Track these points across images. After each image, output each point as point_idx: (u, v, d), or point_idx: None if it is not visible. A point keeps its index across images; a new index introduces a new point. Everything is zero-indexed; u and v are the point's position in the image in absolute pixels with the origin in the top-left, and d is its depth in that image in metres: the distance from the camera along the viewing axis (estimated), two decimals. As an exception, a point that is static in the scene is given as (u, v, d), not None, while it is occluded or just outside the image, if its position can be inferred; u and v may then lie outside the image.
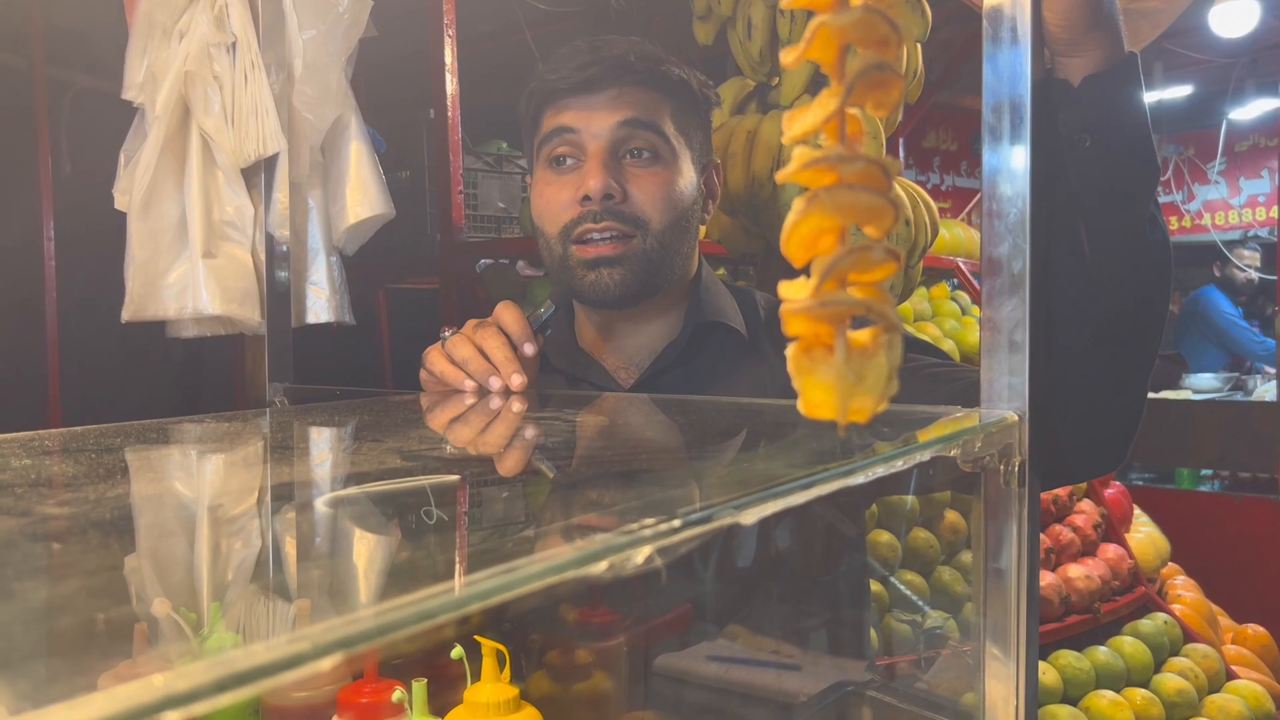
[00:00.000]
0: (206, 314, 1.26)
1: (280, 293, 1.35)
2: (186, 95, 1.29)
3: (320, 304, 1.40)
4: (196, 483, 0.95)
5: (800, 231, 0.42)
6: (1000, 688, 1.00)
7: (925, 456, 0.73)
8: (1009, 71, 0.86)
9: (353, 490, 0.83)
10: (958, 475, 0.89)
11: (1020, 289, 0.88)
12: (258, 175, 1.35)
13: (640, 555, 0.43)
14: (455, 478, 0.89)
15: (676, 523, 0.45)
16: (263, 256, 1.34)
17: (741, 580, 1.48)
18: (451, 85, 1.99)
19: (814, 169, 0.42)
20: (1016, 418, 0.87)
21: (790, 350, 0.43)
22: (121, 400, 2.62)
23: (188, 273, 1.26)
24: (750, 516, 0.49)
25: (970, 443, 0.81)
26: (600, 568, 0.41)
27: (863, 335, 0.43)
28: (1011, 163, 0.87)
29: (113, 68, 1.40)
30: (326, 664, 0.38)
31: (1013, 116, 0.87)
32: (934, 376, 1.17)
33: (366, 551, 0.67)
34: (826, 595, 1.59)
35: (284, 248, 1.37)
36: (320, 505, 0.81)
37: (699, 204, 1.31)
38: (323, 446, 1.12)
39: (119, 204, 1.31)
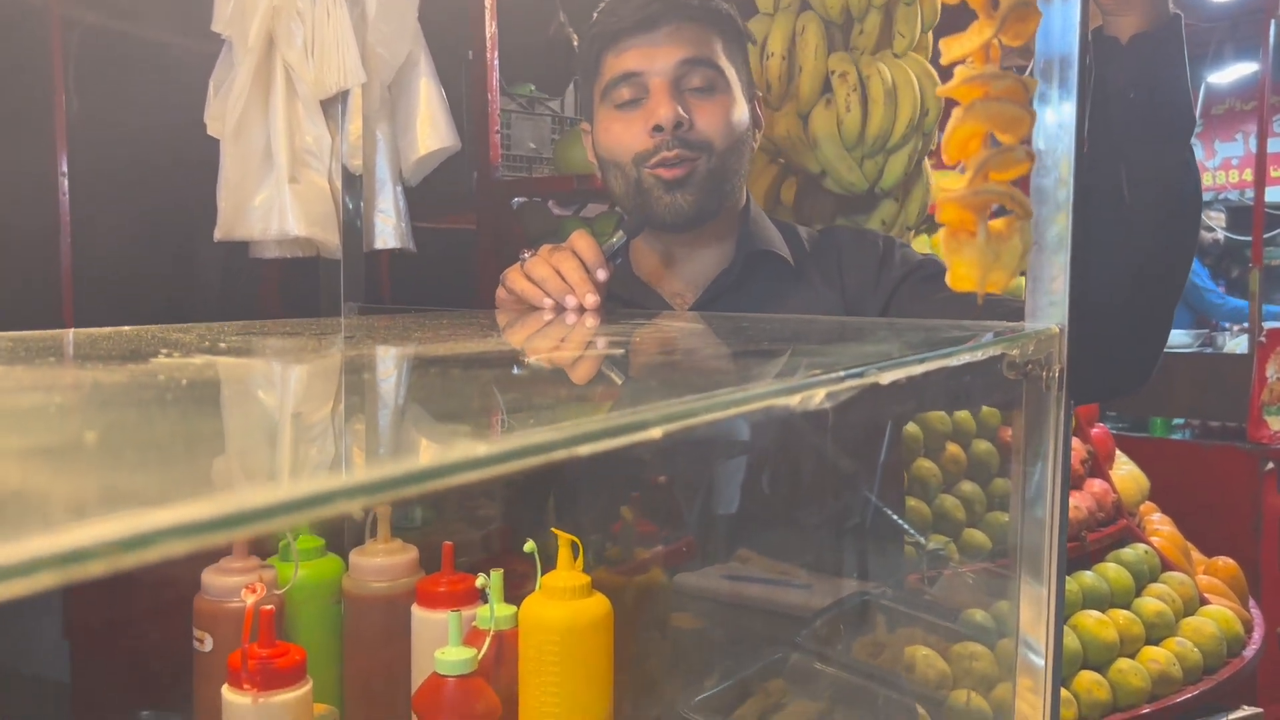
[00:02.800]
0: (291, 235, 1.35)
1: (353, 219, 1.45)
2: (272, 28, 1.37)
3: (388, 231, 1.49)
4: (280, 360, 1.01)
5: (957, 136, 0.53)
6: (1034, 592, 1.13)
7: (996, 351, 0.84)
8: (1060, 26, 0.97)
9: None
10: (996, 388, 1.00)
11: (1064, 214, 1.00)
12: (333, 107, 1.44)
13: (817, 396, 0.54)
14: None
15: (840, 373, 0.56)
16: (338, 184, 1.43)
17: (772, 505, 1.60)
18: (491, 27, 2.08)
19: (969, 85, 0.53)
20: (1058, 329, 0.99)
21: (941, 234, 0.54)
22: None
23: (273, 196, 1.35)
24: (887, 378, 0.60)
25: (1024, 345, 0.93)
26: (793, 400, 0.52)
27: (999, 223, 0.54)
28: (1060, 107, 0.98)
29: (122, 6, 1.47)
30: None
31: (1062, 67, 0.98)
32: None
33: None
34: (862, 516, 1.70)
35: (356, 176, 1.46)
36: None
37: (750, 131, 1.42)
38: (414, 334, 1.21)
39: (211, 130, 1.39)
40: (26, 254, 2.70)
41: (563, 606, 1.21)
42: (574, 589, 1.22)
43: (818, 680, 1.46)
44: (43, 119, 2.75)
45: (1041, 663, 1.11)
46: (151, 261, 2.77)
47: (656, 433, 0.46)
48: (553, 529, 1.24)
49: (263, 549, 1.35)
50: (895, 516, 2.07)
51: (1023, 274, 0.57)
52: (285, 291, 2.72)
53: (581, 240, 1.30)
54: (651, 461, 1.55)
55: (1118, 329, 1.12)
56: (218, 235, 1.37)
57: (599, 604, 1.24)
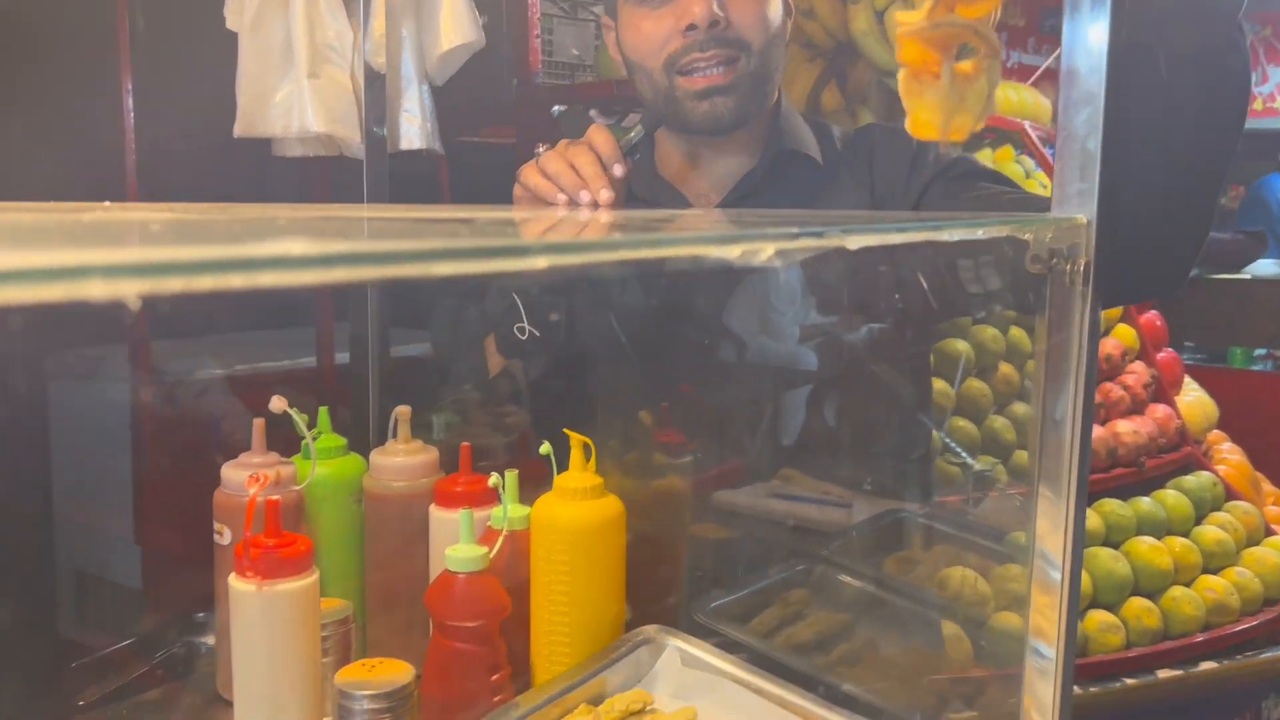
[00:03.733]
0: (311, 131, 1.34)
1: (376, 117, 1.43)
2: (292, -81, 1.35)
3: (413, 131, 1.47)
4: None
5: (920, -31, 0.48)
6: (1051, 502, 1.08)
7: (1002, 232, 0.79)
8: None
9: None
10: (1020, 288, 0.95)
11: (1095, 100, 0.93)
12: (354, 3, 1.41)
13: (765, 252, 0.50)
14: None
15: (795, 229, 0.52)
16: (361, 81, 1.40)
17: (808, 423, 1.56)
18: (531, -73, 2.02)
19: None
20: (1086, 220, 0.93)
21: (900, 75, 0.49)
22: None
23: (294, 93, 1.33)
24: (854, 243, 0.56)
25: (1041, 231, 0.87)
26: (733, 253, 0.48)
27: (965, 64, 0.49)
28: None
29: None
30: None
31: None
32: (1010, 200, 1.23)
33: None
34: (892, 436, 1.66)
35: (380, 74, 1.43)
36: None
37: (784, 21, 1.36)
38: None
39: (230, 24, 1.38)
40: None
41: (573, 507, 1.20)
42: (585, 489, 1.21)
43: (841, 593, 1.44)
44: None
45: (1058, 578, 1.07)
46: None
47: (541, 262, 0.43)
48: (564, 429, 1.23)
49: (286, 447, 1.35)
50: (941, 435, 2.02)
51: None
52: (306, 196, 2.72)
53: (599, 135, 1.26)
54: (680, 371, 1.52)
55: (1152, 222, 1.05)
56: (237, 131, 1.36)
57: (611, 505, 1.22)
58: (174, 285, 0.37)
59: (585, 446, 1.23)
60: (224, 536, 1.24)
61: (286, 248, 0.38)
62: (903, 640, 1.39)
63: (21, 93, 2.72)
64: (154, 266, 0.36)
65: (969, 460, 2.07)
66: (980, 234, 0.75)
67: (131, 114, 2.79)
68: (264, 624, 1.05)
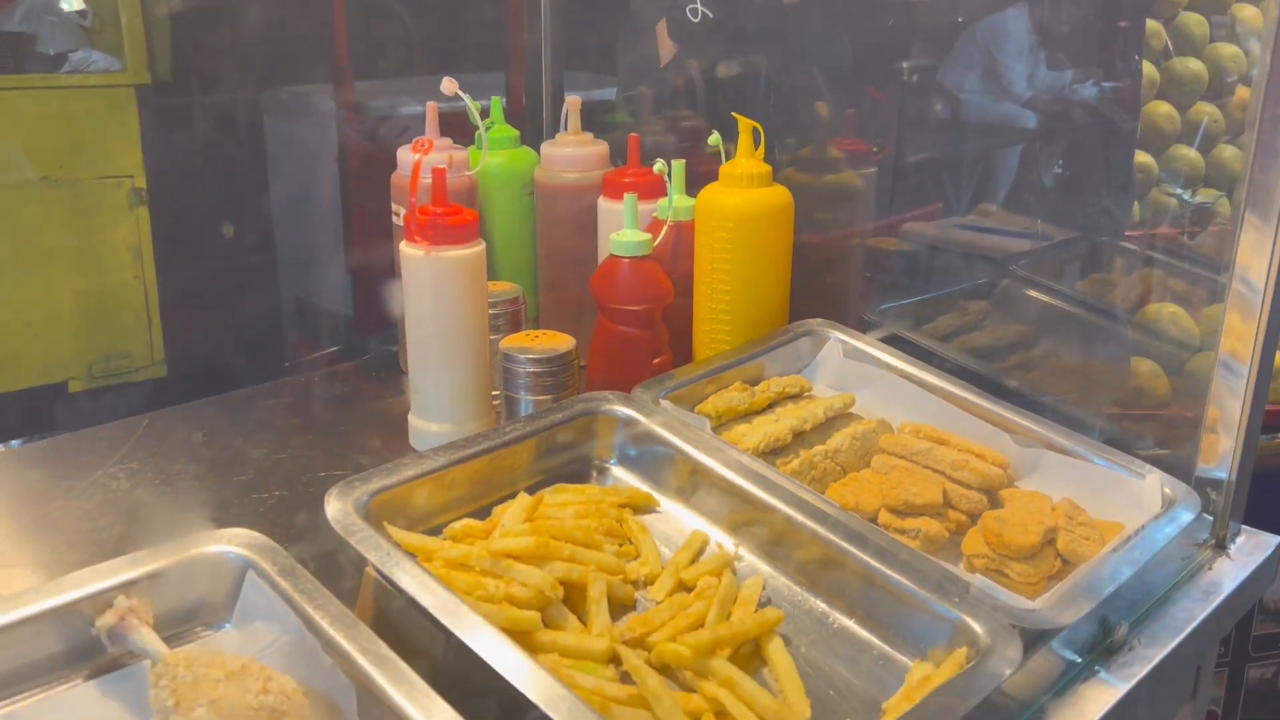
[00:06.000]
0: None
1: None
2: None
3: None
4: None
5: None
6: (1258, 236, 0.97)
7: None
8: None
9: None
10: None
11: None
12: None
13: None
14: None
15: None
16: None
17: (1016, 174, 1.46)
18: None
19: None
20: None
21: None
22: None
23: None
24: None
25: None
26: None
27: None
28: None
29: None
30: None
31: None
32: None
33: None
34: (1087, 166, 1.53)
35: None
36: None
37: None
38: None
39: None
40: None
41: (739, 193, 1.16)
42: (752, 176, 1.16)
43: (1026, 306, 1.37)
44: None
45: (1257, 302, 0.97)
46: None
47: None
48: (732, 114, 1.17)
49: (462, 138, 1.36)
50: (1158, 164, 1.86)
51: None
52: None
53: None
54: (868, 76, 1.42)
55: None
56: None
57: (778, 194, 1.18)
58: None
59: (754, 132, 1.17)
60: (400, 216, 1.28)
61: None
62: (1087, 354, 1.32)
63: None
64: None
65: (1179, 193, 1.89)
66: None
67: None
68: (432, 287, 1.08)
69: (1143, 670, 0.83)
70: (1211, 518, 1.02)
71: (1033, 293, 1.39)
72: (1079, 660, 0.84)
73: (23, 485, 1.07)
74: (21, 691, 0.69)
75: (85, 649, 0.71)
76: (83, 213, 2.89)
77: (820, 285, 1.32)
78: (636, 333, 1.19)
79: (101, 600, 0.71)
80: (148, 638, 0.69)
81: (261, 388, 1.34)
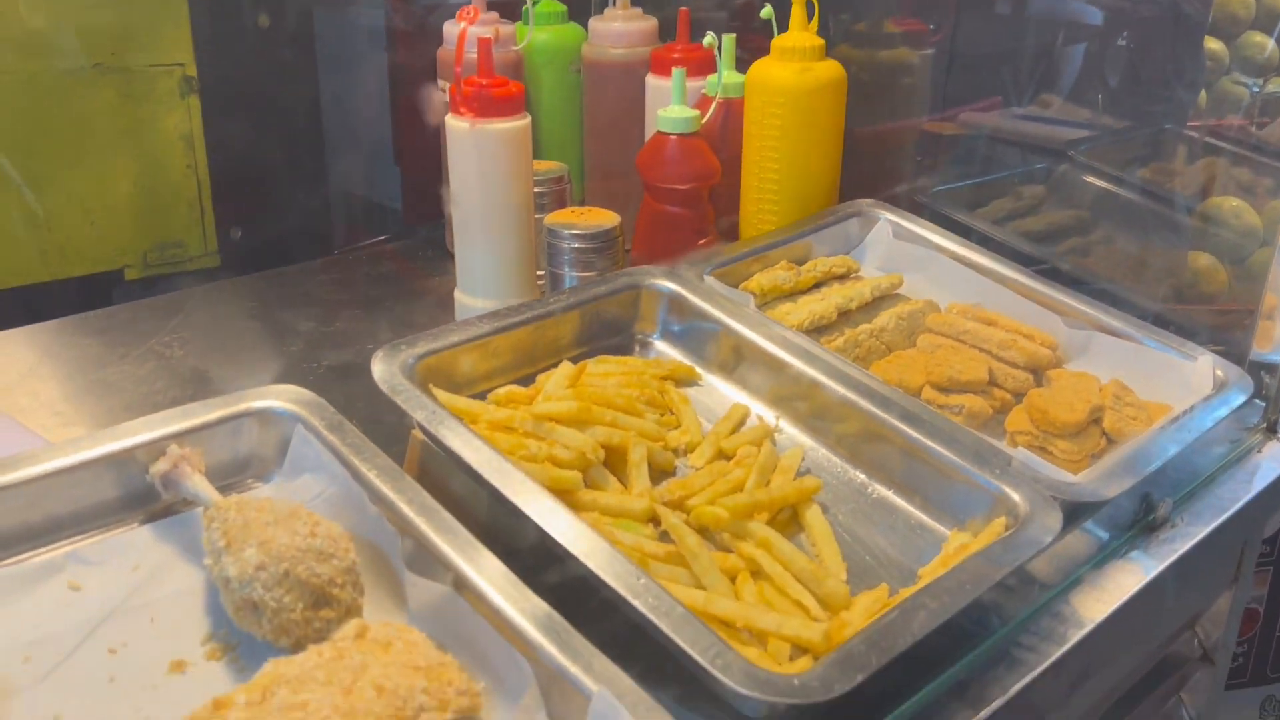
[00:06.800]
0: None
1: None
2: None
3: None
4: None
5: None
6: None
7: None
8: None
9: None
10: None
11: None
12: None
13: None
14: None
15: None
16: None
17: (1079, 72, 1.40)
18: None
19: None
20: None
21: None
22: None
23: None
24: None
25: None
26: None
27: None
28: None
29: None
30: None
31: None
32: None
33: None
34: (1155, 53, 1.47)
35: None
36: None
37: None
38: None
39: None
40: None
41: (790, 67, 1.14)
42: (804, 50, 1.13)
43: (1084, 192, 1.33)
44: None
45: None
46: None
47: None
48: (784, -18, 1.14)
49: (509, 14, 1.34)
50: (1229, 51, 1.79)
51: None
52: None
53: None
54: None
55: None
56: None
57: (831, 69, 1.15)
58: None
59: (808, 4, 1.14)
60: (445, 90, 1.27)
61: None
62: (1144, 242, 1.28)
63: None
64: None
65: (1249, 82, 1.82)
66: None
67: None
68: (477, 160, 1.07)
69: (1183, 547, 0.83)
70: (1264, 403, 1.00)
71: (1091, 179, 1.36)
72: (1119, 536, 0.84)
73: (80, 351, 1.10)
74: (82, 532, 0.71)
75: (141, 495, 0.73)
76: (134, 101, 2.89)
77: (871, 166, 1.29)
78: (682, 212, 1.18)
79: (155, 448, 0.73)
80: (199, 484, 0.71)
81: (311, 264, 1.35)
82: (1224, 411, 0.89)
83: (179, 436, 0.74)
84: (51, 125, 2.44)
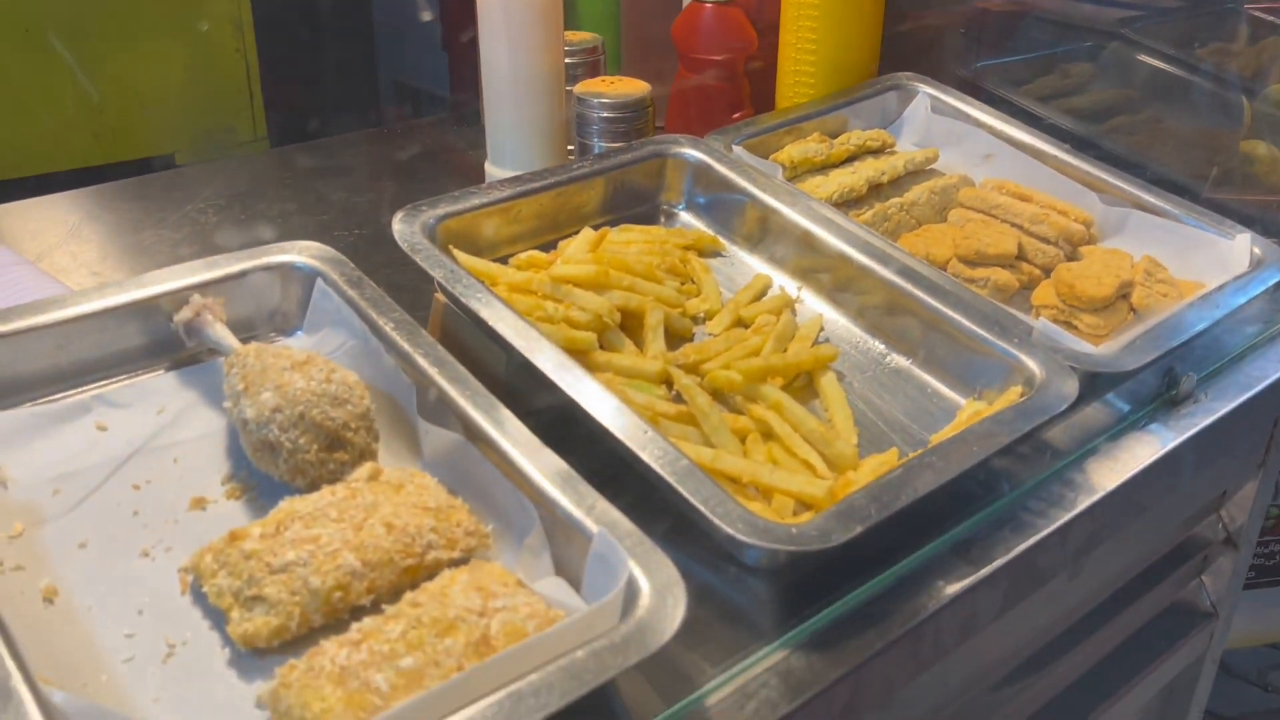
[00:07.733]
0: None
1: None
2: None
3: None
4: None
5: None
6: None
7: None
8: None
9: None
10: None
11: None
12: None
13: None
14: None
15: None
16: None
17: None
18: None
19: None
20: None
21: None
22: None
23: None
24: None
25: None
26: None
27: None
28: None
29: None
30: None
31: None
32: None
33: None
34: None
35: None
36: None
37: None
38: None
39: None
40: None
41: (830, -68, 1.10)
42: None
43: (1135, 71, 1.28)
44: None
45: None
46: None
47: None
48: None
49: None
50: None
51: None
52: None
53: None
54: None
55: None
56: None
57: (872, -66, 1.11)
58: None
59: None
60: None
61: None
62: (1196, 123, 1.24)
63: None
64: None
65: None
66: None
67: None
68: (505, 26, 1.06)
69: (1204, 421, 0.82)
70: (1303, 283, 0.97)
71: (1143, 57, 1.31)
72: (1140, 410, 0.83)
73: (118, 215, 1.12)
74: (109, 376, 0.74)
75: (167, 343, 0.75)
76: (185, -15, 2.89)
77: (913, 40, 1.25)
78: (717, 84, 1.16)
79: (179, 298, 0.75)
80: (221, 332, 0.73)
81: (348, 136, 1.35)
82: (1258, 289, 0.87)
83: (202, 287, 0.75)
84: (104, 10, 2.45)
